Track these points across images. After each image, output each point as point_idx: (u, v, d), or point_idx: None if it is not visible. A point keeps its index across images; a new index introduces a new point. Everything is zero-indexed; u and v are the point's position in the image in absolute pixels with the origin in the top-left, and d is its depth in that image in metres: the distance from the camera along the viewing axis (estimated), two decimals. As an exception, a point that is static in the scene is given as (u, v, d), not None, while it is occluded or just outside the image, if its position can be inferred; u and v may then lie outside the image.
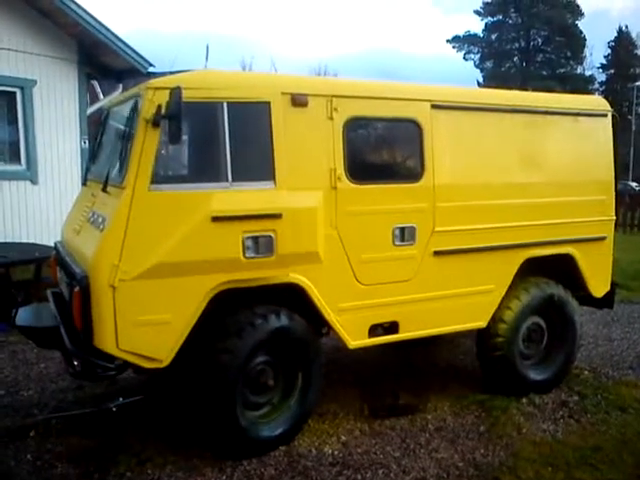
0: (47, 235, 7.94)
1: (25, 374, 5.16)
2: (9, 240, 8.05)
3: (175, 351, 3.44)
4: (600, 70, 49.01)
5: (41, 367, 5.32)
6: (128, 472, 3.58)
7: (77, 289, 3.33)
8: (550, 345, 4.92)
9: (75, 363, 3.62)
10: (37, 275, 6.82)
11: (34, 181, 8.77)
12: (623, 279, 8.09)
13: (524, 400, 4.69)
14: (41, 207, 8.80)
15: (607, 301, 5.26)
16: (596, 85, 46.62)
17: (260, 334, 3.65)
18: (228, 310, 3.68)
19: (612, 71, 48.35)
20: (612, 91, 42.43)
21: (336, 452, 3.89)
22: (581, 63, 47.90)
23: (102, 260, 3.30)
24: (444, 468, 3.74)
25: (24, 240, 8.23)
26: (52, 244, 4.71)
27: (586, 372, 5.40)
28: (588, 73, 48.04)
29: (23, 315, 4.12)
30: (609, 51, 48.48)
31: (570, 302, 4.89)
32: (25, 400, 4.62)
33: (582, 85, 39.65)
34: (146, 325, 3.35)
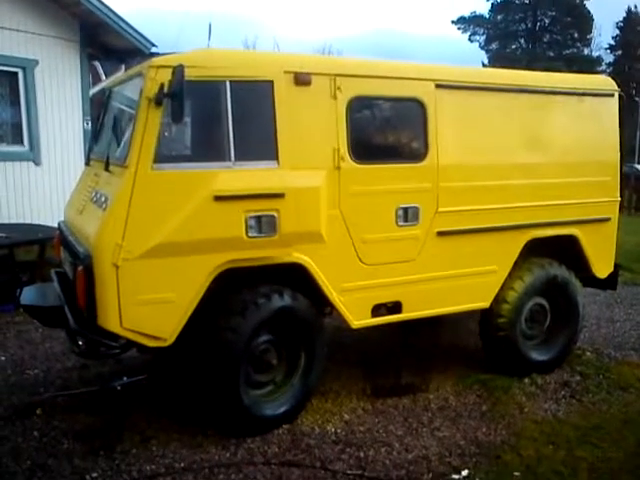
0: (50, 216, 7.95)
1: (31, 353, 5.20)
2: (13, 221, 8.06)
3: (179, 330, 3.46)
4: (608, 51, 48.41)
5: (46, 346, 5.36)
6: (133, 449, 3.62)
7: (80, 268, 3.35)
8: (553, 326, 4.93)
9: (79, 342, 3.64)
10: (41, 256, 6.85)
11: (37, 162, 8.75)
12: (627, 261, 8.09)
13: (526, 380, 4.71)
14: (44, 188, 8.80)
15: (610, 282, 5.25)
16: (603, 66, 46.07)
17: (263, 313, 3.67)
18: (231, 289, 3.69)
19: (620, 52, 47.77)
20: (620, 72, 41.89)
21: (339, 430, 3.92)
22: (588, 44, 47.28)
23: (105, 239, 3.30)
24: (446, 446, 3.77)
25: (27, 221, 8.24)
26: (56, 225, 4.72)
27: (588, 353, 5.42)
28: (595, 54, 47.46)
29: (28, 295, 4.15)
30: (617, 32, 47.86)
31: (573, 283, 4.89)
32: (31, 379, 4.66)
33: (589, 66, 39.15)
34: (149, 304, 3.36)
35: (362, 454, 3.66)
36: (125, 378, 3.71)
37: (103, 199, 3.56)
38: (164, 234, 3.34)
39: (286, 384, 3.95)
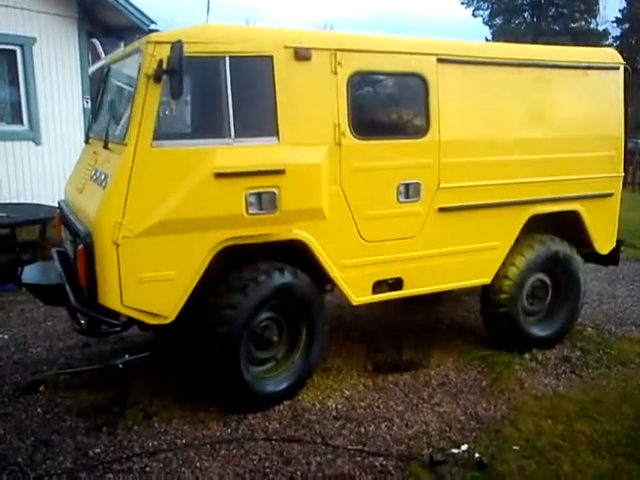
0: (51, 195, 7.92)
1: (33, 332, 5.23)
2: (13, 201, 8.04)
3: (180, 307, 3.47)
4: (615, 24, 47.72)
5: (49, 325, 5.39)
6: (135, 426, 3.65)
7: (81, 247, 3.34)
8: (554, 302, 4.93)
9: (81, 320, 3.67)
10: (42, 235, 6.86)
11: (37, 141, 8.71)
12: (629, 237, 8.07)
13: (527, 356, 4.73)
14: (44, 167, 8.77)
15: (612, 258, 5.25)
16: (610, 40, 45.44)
17: (264, 290, 3.67)
18: (232, 266, 3.69)
19: (627, 25, 47.09)
20: (627, 46, 41.32)
21: (340, 406, 3.95)
22: (595, 17, 46.60)
23: (105, 217, 3.29)
24: (446, 422, 3.79)
25: (28, 200, 8.23)
26: (56, 204, 4.71)
27: (589, 329, 5.43)
28: (602, 27, 46.80)
29: (29, 273, 4.16)
30: (624, 4, 47.09)
31: (575, 259, 4.88)
32: (34, 357, 4.69)
33: (595, 40, 38.61)
34: (150, 282, 3.37)
35: (363, 429, 3.68)
36: (127, 356, 3.73)
37: (103, 177, 3.54)
38: (164, 212, 3.33)
39: (287, 361, 3.97)
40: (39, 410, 3.84)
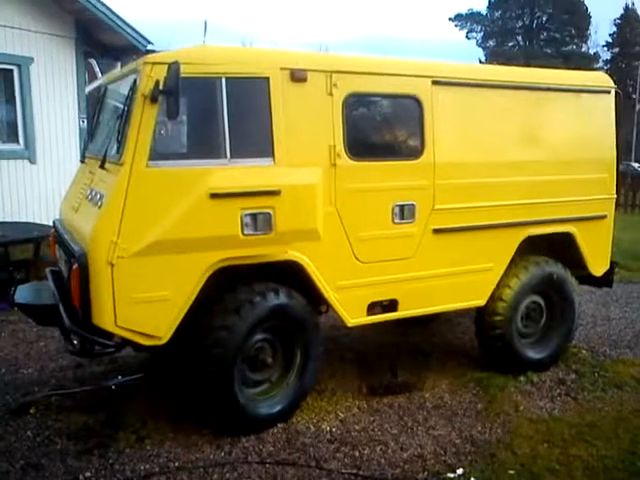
0: (46, 214, 7.93)
1: (25, 352, 5.18)
2: (8, 220, 8.02)
3: (174, 328, 3.45)
4: (605, 48, 48.46)
5: (41, 345, 5.34)
6: (127, 449, 3.60)
7: (75, 266, 3.33)
8: (549, 324, 4.92)
9: (74, 341, 3.63)
10: (36, 254, 6.82)
11: (32, 160, 8.72)
12: (623, 259, 8.08)
13: (522, 378, 4.71)
14: (39, 186, 8.77)
15: (606, 280, 5.26)
16: (600, 63, 46.10)
17: (259, 312, 3.65)
18: (227, 287, 3.67)
19: (617, 49, 47.80)
20: (617, 69, 41.93)
21: (334, 429, 3.91)
22: (586, 41, 47.35)
23: (100, 237, 3.28)
24: (441, 445, 3.76)
25: (23, 219, 8.20)
26: (51, 223, 4.69)
27: (584, 351, 5.42)
28: (593, 51, 47.51)
29: (22, 293, 4.12)
30: (614, 29, 47.88)
31: (569, 281, 4.89)
32: (25, 378, 4.64)
33: (586, 63, 39.19)
34: (145, 302, 3.34)
35: (357, 453, 3.65)
36: (120, 377, 3.70)
37: (98, 197, 3.54)
38: (159, 232, 3.32)
39: (281, 383, 3.93)
40: (29, 433, 3.78)
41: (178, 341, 3.52)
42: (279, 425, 3.88)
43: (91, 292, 3.27)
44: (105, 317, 3.28)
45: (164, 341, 3.45)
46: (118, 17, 9.08)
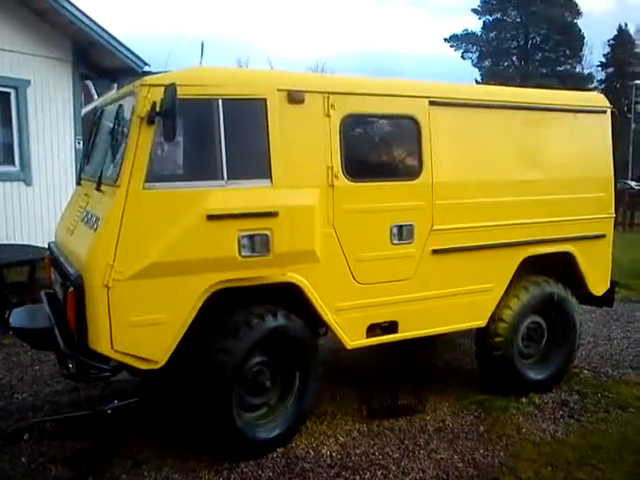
0: (41, 236, 7.87)
1: (19, 377, 5.10)
2: (3, 242, 7.96)
3: (171, 352, 3.40)
4: (599, 68, 49.05)
5: (35, 369, 5.27)
6: (123, 475, 3.53)
7: (71, 289, 3.29)
8: (550, 344, 4.88)
9: (69, 365, 3.58)
10: (31, 277, 6.76)
11: (28, 182, 8.70)
12: (623, 278, 8.02)
13: (524, 400, 4.65)
14: (35, 208, 8.73)
15: (607, 300, 5.22)
16: (595, 83, 46.62)
17: (257, 334, 3.60)
18: (224, 310, 3.63)
19: (611, 69, 48.36)
20: (611, 89, 42.40)
21: (334, 453, 3.84)
22: (580, 61, 47.94)
23: (96, 260, 3.25)
24: (443, 469, 3.70)
25: (18, 242, 8.15)
26: (46, 245, 4.66)
27: (586, 371, 5.37)
28: (587, 71, 48.08)
29: (17, 316, 4.07)
30: (608, 49, 48.50)
31: (570, 301, 4.85)
32: (19, 403, 4.56)
33: (581, 83, 39.68)
34: (141, 326, 3.30)
35: (358, 477, 3.58)
36: (116, 401, 3.63)
37: (94, 219, 3.51)
38: (156, 254, 3.29)
39: (280, 406, 3.87)
40: (23, 460, 3.70)
41: (175, 364, 3.47)
42: (278, 450, 3.81)
43: (87, 315, 3.23)
44: (101, 341, 3.23)
45: (161, 365, 3.39)
46: (115, 39, 9.13)
